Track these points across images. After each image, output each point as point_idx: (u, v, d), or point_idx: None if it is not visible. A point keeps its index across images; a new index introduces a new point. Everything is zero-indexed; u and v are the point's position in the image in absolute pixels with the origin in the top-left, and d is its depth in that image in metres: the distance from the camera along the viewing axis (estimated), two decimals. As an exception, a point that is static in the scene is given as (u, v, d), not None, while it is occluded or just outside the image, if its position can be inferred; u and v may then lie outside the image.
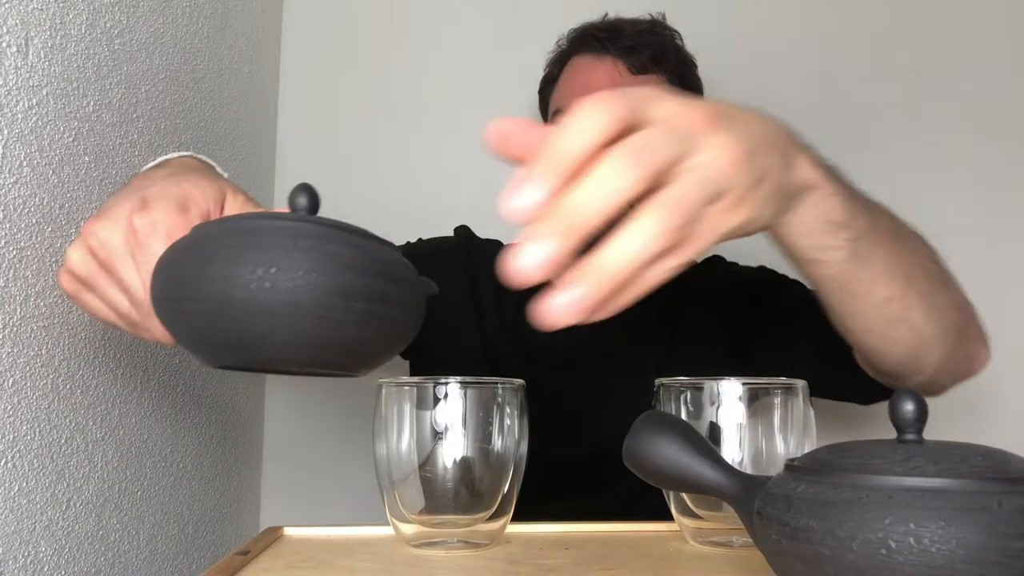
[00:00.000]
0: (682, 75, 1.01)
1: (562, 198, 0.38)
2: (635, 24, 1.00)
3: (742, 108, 0.47)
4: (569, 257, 0.38)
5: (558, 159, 0.38)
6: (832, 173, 0.52)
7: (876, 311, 0.59)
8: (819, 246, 0.53)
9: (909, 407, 0.36)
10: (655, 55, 0.98)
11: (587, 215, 0.37)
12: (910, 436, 0.36)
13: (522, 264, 0.37)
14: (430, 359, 0.95)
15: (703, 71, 1.05)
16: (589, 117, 0.39)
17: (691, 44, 1.05)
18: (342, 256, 0.43)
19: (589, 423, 0.91)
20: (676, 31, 1.03)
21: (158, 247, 0.50)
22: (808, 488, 0.35)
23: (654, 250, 0.39)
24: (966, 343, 0.69)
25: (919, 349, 0.64)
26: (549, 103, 1.05)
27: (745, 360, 0.90)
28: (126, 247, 0.52)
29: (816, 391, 0.61)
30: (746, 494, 0.40)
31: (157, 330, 0.52)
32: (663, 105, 0.42)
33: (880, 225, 0.56)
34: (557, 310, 0.38)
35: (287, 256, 0.41)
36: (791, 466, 0.38)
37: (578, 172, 0.38)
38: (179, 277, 0.44)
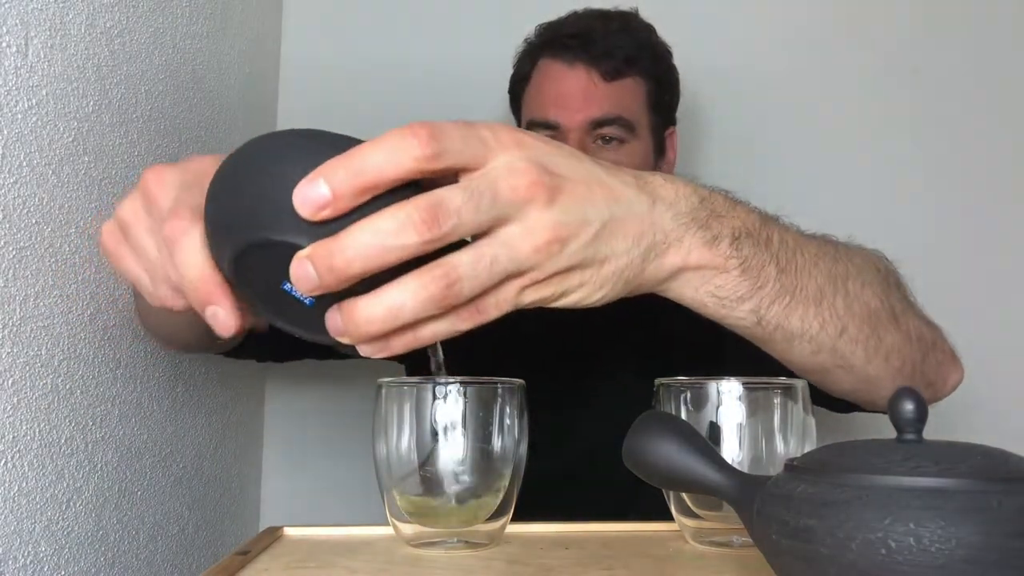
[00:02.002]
0: (657, 74, 1.00)
1: (342, 232, 0.37)
2: (606, 22, 0.97)
3: (610, 179, 0.44)
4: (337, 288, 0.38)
5: (353, 174, 0.37)
6: (739, 244, 0.49)
7: (805, 360, 0.57)
8: (716, 316, 0.52)
9: (909, 407, 0.36)
10: (629, 57, 0.95)
11: (350, 261, 0.37)
12: (910, 436, 0.36)
13: (293, 279, 0.38)
14: (415, 369, 0.94)
15: (681, 65, 1.04)
16: (407, 146, 0.38)
17: (670, 37, 1.03)
18: None
19: (576, 433, 0.90)
20: (651, 26, 1.00)
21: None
22: (808, 488, 0.35)
23: (412, 314, 0.39)
24: (927, 373, 0.66)
25: (864, 387, 0.62)
26: (522, 104, 1.02)
27: (725, 365, 0.89)
28: (179, 182, 0.49)
29: None
30: (746, 494, 0.40)
31: (180, 277, 0.47)
32: (503, 157, 0.40)
33: (802, 285, 0.53)
34: (333, 330, 0.40)
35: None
36: (791, 466, 0.38)
37: (369, 193, 0.37)
38: (243, 158, 0.44)
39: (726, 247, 0.48)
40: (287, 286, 0.43)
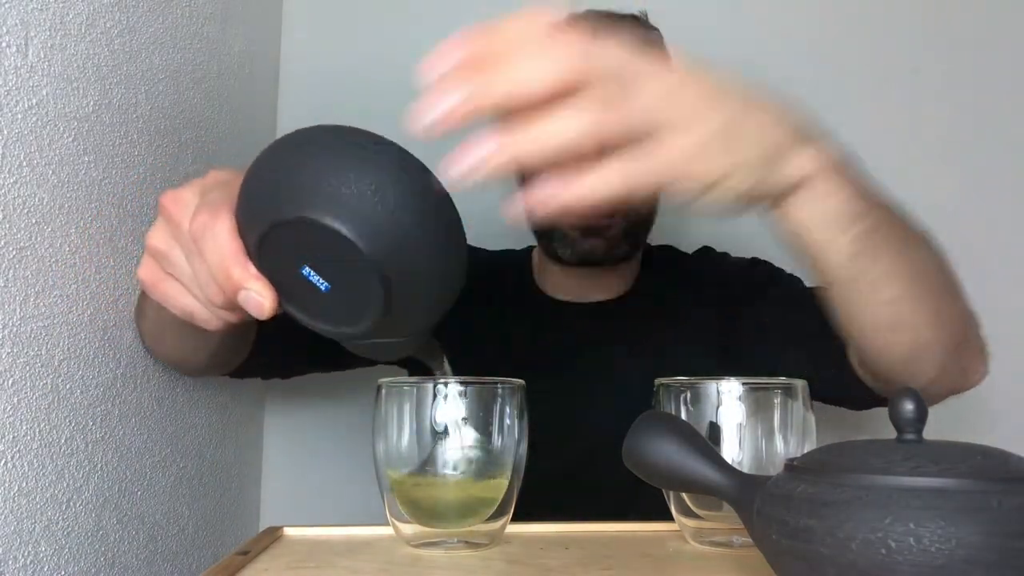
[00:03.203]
0: None
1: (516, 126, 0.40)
2: (617, 26, 0.96)
3: (730, 82, 0.47)
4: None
5: (506, 84, 0.41)
6: (843, 168, 0.52)
7: (880, 311, 0.59)
8: (822, 240, 0.53)
9: (909, 407, 0.36)
10: None
11: (534, 146, 0.40)
12: (910, 436, 0.36)
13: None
14: (418, 369, 0.94)
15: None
16: (553, 60, 0.41)
17: (676, 38, 1.02)
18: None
19: (575, 433, 0.90)
20: (657, 30, 1.00)
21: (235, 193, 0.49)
22: (808, 488, 0.35)
23: (578, 133, 0.41)
24: (964, 356, 0.68)
25: (918, 353, 0.63)
26: None
27: (738, 363, 0.89)
28: (197, 192, 0.51)
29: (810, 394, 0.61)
30: (746, 494, 0.40)
31: (210, 266, 0.49)
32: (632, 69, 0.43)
33: (890, 226, 0.56)
34: (472, 161, 0.42)
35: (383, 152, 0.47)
36: (791, 466, 0.38)
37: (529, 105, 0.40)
38: (274, 149, 0.47)
39: (831, 165, 0.51)
40: (305, 270, 0.45)
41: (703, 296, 0.97)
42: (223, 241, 0.47)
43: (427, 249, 0.46)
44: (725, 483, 0.42)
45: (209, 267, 0.48)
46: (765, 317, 0.91)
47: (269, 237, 0.45)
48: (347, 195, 0.43)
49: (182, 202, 0.51)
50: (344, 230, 0.44)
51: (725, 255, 1.03)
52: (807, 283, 0.92)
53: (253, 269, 0.47)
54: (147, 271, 0.54)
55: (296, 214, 0.44)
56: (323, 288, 0.46)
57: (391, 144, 0.46)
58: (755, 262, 1.00)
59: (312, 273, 0.45)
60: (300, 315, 0.48)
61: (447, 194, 0.47)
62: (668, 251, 1.07)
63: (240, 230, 0.47)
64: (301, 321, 0.48)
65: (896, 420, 0.37)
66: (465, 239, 0.49)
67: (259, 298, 0.46)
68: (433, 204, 0.46)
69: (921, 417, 0.37)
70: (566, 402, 0.91)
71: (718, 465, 0.43)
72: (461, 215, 0.48)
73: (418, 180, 0.45)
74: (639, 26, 0.98)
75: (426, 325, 0.52)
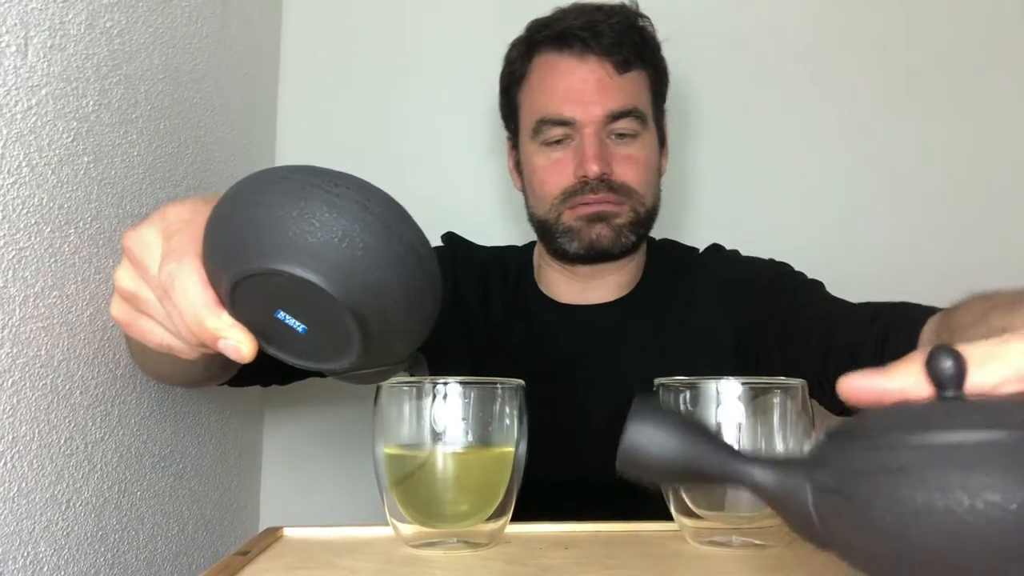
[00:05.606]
0: (656, 64, 0.99)
1: None
2: (608, 15, 0.95)
3: None
4: None
5: None
6: None
7: None
8: None
9: (948, 363, 0.33)
10: (636, 48, 0.94)
11: None
12: (950, 393, 0.33)
13: None
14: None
15: (669, 57, 1.02)
16: None
17: (667, 27, 1.01)
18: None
19: (581, 439, 0.89)
20: (647, 17, 0.99)
21: (197, 232, 0.48)
22: (871, 454, 0.32)
23: None
24: None
25: None
26: (519, 105, 1.00)
27: (752, 365, 0.88)
28: (160, 234, 0.50)
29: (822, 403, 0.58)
30: (787, 480, 0.36)
31: (183, 317, 0.48)
32: None
33: None
34: None
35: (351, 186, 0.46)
36: (841, 432, 0.35)
37: None
38: (238, 194, 0.46)
39: None
40: (280, 315, 0.45)
41: (715, 296, 0.96)
42: (194, 292, 0.47)
43: (400, 284, 0.46)
44: (759, 473, 0.36)
45: (182, 316, 0.48)
46: (786, 322, 0.88)
47: (240, 287, 0.45)
48: (314, 243, 0.43)
49: (144, 243, 0.50)
50: (314, 279, 0.43)
51: (736, 253, 1.01)
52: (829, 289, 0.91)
53: (227, 318, 0.47)
54: (119, 310, 0.54)
55: (264, 266, 0.44)
56: (300, 330, 0.46)
57: (353, 181, 0.46)
58: (774, 263, 0.97)
59: (287, 317, 0.46)
60: (280, 355, 0.49)
61: (414, 222, 0.47)
62: (673, 246, 1.06)
63: (209, 277, 0.47)
64: (283, 360, 0.49)
65: (937, 377, 0.33)
66: (436, 263, 0.49)
67: (237, 345, 0.47)
68: (400, 237, 0.46)
69: (961, 373, 0.34)
70: (567, 406, 0.91)
71: (741, 456, 0.38)
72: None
73: (383, 216, 0.45)
74: (630, 14, 0.98)
75: (407, 352, 0.52)
